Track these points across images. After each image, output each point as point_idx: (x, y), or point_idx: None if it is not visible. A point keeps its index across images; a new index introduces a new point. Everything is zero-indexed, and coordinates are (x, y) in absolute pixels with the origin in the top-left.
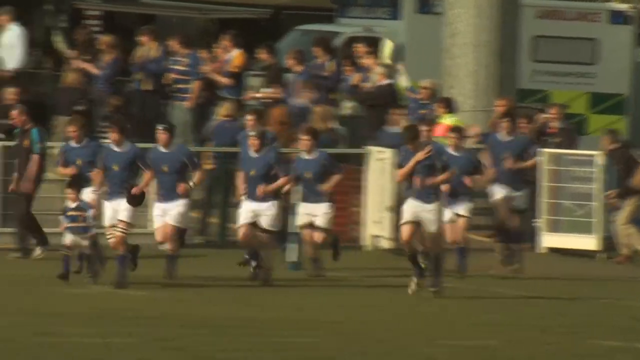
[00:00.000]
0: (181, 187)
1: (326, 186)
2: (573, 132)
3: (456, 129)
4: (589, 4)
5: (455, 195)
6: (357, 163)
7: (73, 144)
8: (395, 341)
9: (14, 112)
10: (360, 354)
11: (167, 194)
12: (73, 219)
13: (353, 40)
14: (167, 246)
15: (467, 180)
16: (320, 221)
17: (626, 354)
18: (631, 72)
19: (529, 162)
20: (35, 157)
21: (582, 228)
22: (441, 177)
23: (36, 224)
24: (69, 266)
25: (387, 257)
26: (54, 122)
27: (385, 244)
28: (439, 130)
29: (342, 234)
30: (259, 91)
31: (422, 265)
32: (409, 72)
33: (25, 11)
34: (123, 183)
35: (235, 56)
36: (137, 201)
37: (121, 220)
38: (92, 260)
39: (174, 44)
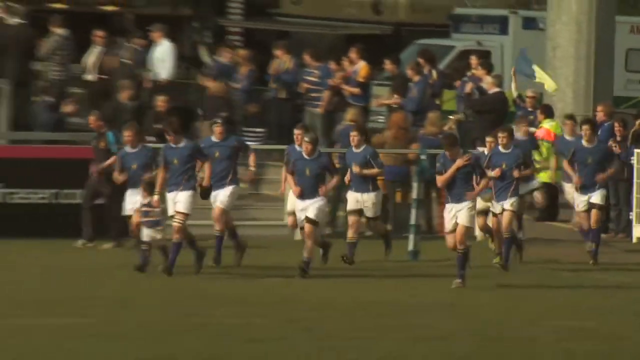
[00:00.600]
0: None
1: (367, 174)
2: None
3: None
4: None
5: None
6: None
7: (128, 149)
8: (501, 321)
9: (91, 118)
10: (472, 333)
11: (218, 181)
12: (146, 214)
13: (465, 52)
14: (216, 227)
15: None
16: (369, 211)
17: None
18: None
19: (610, 172)
20: (113, 157)
21: None
22: (482, 184)
23: (93, 218)
24: (147, 259)
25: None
26: (200, 126)
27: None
28: (540, 134)
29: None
30: (383, 99)
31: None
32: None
33: (175, 28)
34: (182, 176)
35: (361, 68)
36: (208, 194)
37: (179, 212)
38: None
39: (306, 57)
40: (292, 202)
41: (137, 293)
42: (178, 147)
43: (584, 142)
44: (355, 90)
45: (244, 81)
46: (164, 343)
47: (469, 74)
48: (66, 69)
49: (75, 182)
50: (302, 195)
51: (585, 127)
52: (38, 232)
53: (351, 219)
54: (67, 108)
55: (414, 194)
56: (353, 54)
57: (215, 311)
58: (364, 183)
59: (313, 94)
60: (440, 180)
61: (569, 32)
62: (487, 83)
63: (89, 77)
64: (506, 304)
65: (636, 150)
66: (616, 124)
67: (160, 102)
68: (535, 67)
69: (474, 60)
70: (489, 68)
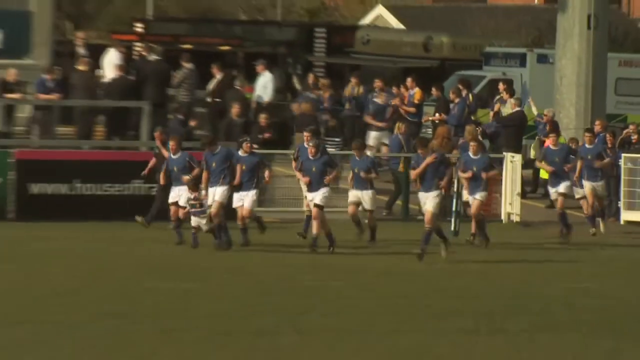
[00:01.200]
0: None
1: (367, 177)
2: None
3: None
4: None
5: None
6: (498, 164)
7: (172, 155)
8: (520, 284)
9: (156, 133)
10: (502, 295)
11: (245, 185)
12: (193, 206)
13: (494, 81)
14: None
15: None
16: (367, 204)
17: None
18: None
19: (605, 162)
20: (153, 159)
21: None
22: (445, 179)
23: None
24: (196, 240)
25: (516, 227)
26: (294, 137)
27: (516, 218)
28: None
29: (487, 212)
30: (431, 116)
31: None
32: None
33: (273, 62)
34: (219, 175)
35: (416, 92)
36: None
37: (216, 201)
38: (216, 231)
39: (376, 84)
40: (352, 194)
41: (234, 263)
42: (215, 153)
43: (586, 145)
44: (412, 109)
45: (328, 102)
46: (265, 298)
47: (497, 97)
48: (192, 94)
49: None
50: (310, 188)
51: (587, 134)
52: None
53: (350, 208)
54: (193, 123)
55: (455, 188)
56: (409, 82)
57: (303, 277)
58: (364, 182)
59: (380, 112)
60: (413, 174)
61: (572, 66)
62: (511, 104)
63: (209, 100)
64: (523, 272)
65: (623, 154)
66: (608, 135)
67: (262, 118)
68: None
69: (500, 86)
70: (512, 93)
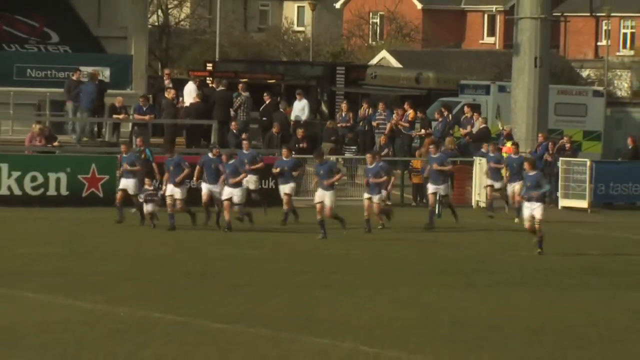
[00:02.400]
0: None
1: (331, 182)
2: (576, 150)
3: (515, 144)
4: (583, 87)
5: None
6: (469, 165)
7: (169, 157)
8: (489, 251)
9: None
10: (473, 260)
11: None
12: (150, 195)
13: (465, 105)
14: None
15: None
16: (327, 201)
17: None
18: (604, 120)
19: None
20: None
21: (579, 196)
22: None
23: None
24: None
25: (482, 211)
26: (322, 146)
27: (482, 205)
28: (505, 149)
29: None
30: (419, 131)
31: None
32: (495, 122)
33: (307, 92)
34: (216, 174)
35: (410, 113)
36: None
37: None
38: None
39: (380, 107)
40: (317, 195)
41: (279, 238)
42: (212, 158)
43: (512, 155)
44: (407, 125)
45: (345, 120)
46: (302, 262)
47: (463, 117)
48: (248, 115)
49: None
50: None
51: (514, 146)
52: None
53: (366, 202)
54: (244, 136)
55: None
56: (406, 105)
57: (329, 247)
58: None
59: (381, 127)
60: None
61: (523, 94)
62: (479, 122)
63: (261, 119)
64: (486, 244)
65: (560, 158)
66: (550, 144)
67: (299, 132)
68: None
69: (466, 109)
70: (479, 114)
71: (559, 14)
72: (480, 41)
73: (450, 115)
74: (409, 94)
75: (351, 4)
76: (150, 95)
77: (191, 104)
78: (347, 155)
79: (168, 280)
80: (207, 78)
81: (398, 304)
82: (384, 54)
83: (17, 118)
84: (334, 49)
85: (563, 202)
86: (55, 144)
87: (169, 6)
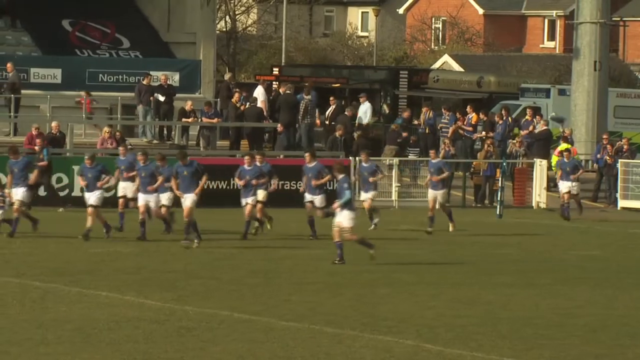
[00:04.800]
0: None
1: (321, 182)
2: (634, 151)
3: (567, 150)
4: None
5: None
6: (530, 167)
7: (141, 164)
8: (549, 251)
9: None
10: (533, 259)
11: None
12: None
13: (527, 107)
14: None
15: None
16: (318, 202)
17: None
18: None
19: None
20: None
21: (638, 197)
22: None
23: None
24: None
25: (543, 212)
26: (385, 148)
27: (543, 205)
28: (556, 152)
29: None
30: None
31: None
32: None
33: (370, 95)
34: (192, 183)
35: (473, 116)
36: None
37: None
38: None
39: (444, 110)
40: (307, 196)
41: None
42: (184, 166)
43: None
44: (470, 128)
45: (404, 121)
46: (366, 261)
47: (523, 120)
48: (313, 118)
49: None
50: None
51: (565, 152)
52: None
53: (307, 205)
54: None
55: (500, 183)
56: (468, 109)
57: (394, 247)
58: (315, 188)
59: (444, 130)
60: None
61: (583, 97)
62: (541, 124)
63: (326, 122)
64: (547, 244)
65: (620, 160)
66: (609, 146)
67: (358, 135)
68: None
69: (528, 112)
70: (540, 116)
71: (618, 19)
72: (541, 45)
73: (510, 118)
74: (470, 97)
75: (414, 9)
76: (218, 100)
77: (251, 107)
78: (411, 157)
79: (235, 278)
80: (273, 82)
81: (460, 303)
82: (446, 58)
83: (90, 121)
84: (397, 54)
85: (622, 203)
86: (129, 146)
87: (237, 12)
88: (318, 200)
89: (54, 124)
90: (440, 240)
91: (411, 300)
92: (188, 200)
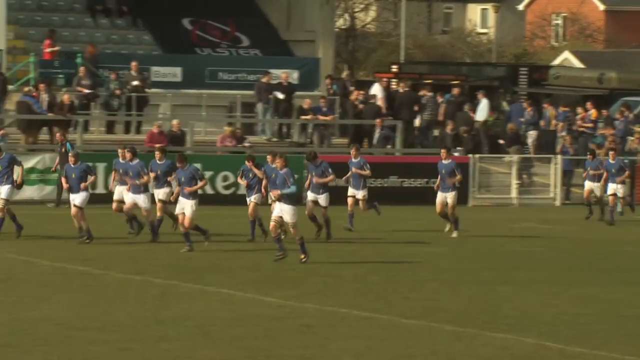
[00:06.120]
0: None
1: (324, 181)
2: None
3: (612, 149)
4: None
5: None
6: None
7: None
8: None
9: (57, 134)
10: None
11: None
12: None
13: None
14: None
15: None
16: (322, 202)
17: None
18: None
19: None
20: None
21: None
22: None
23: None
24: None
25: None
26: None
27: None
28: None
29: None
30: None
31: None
32: None
33: (489, 92)
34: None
35: (592, 112)
36: None
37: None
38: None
39: (547, 106)
40: (310, 195)
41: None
42: (160, 164)
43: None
44: (590, 125)
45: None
46: (484, 258)
47: None
48: (432, 114)
49: (423, 174)
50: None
51: (611, 152)
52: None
53: (309, 205)
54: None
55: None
56: (589, 105)
57: (512, 244)
58: (318, 187)
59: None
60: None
61: None
62: None
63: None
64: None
65: None
66: None
67: (464, 130)
68: None
69: None
70: None
71: None
72: None
73: (631, 115)
74: (591, 94)
75: (534, 5)
76: (337, 98)
77: (369, 104)
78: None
79: (355, 276)
80: (392, 80)
81: (582, 301)
82: (566, 54)
83: (210, 120)
84: (517, 50)
85: None
86: (246, 144)
87: (355, 10)
88: (322, 199)
89: (174, 122)
90: (559, 237)
91: (532, 298)
92: (187, 210)
